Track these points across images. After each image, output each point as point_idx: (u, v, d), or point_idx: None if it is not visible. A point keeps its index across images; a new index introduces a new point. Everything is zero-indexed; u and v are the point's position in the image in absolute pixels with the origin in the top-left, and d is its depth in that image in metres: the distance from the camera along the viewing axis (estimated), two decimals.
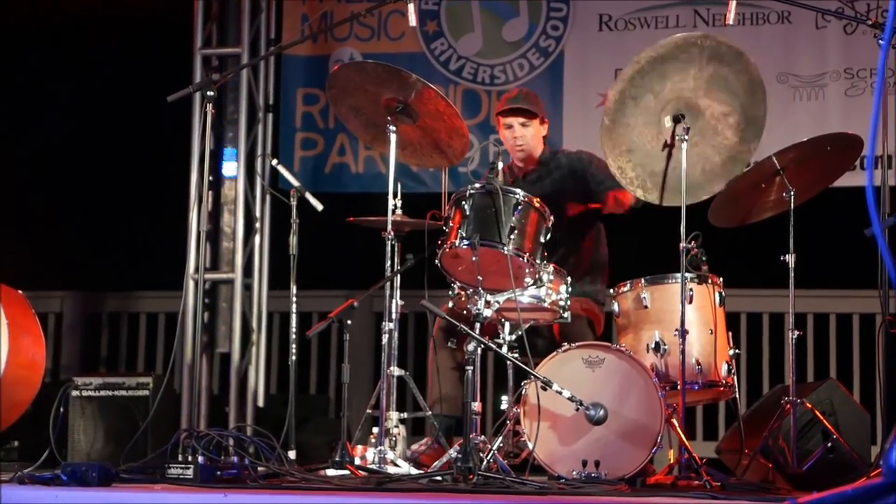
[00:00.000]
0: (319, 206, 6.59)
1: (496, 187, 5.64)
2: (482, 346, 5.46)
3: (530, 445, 5.46)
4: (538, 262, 5.71)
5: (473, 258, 5.55)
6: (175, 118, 8.03)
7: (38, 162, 9.27)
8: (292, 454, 6.09)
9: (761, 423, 6.12)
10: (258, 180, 8.30)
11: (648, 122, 5.87)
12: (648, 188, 6.02)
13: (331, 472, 5.47)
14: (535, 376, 5.41)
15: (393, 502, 4.56)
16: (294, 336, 6.58)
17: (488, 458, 5.35)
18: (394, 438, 5.79)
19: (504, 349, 5.75)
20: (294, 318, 6.57)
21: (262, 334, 8.35)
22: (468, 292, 5.77)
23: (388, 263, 5.91)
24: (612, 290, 6.10)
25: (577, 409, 5.40)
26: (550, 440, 5.51)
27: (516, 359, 5.68)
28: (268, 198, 8.36)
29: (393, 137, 5.96)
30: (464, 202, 5.70)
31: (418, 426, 8.03)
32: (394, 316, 5.93)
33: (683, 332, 5.64)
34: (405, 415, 5.98)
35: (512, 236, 5.61)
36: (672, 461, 5.76)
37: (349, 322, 5.80)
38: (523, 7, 8.50)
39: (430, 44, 8.55)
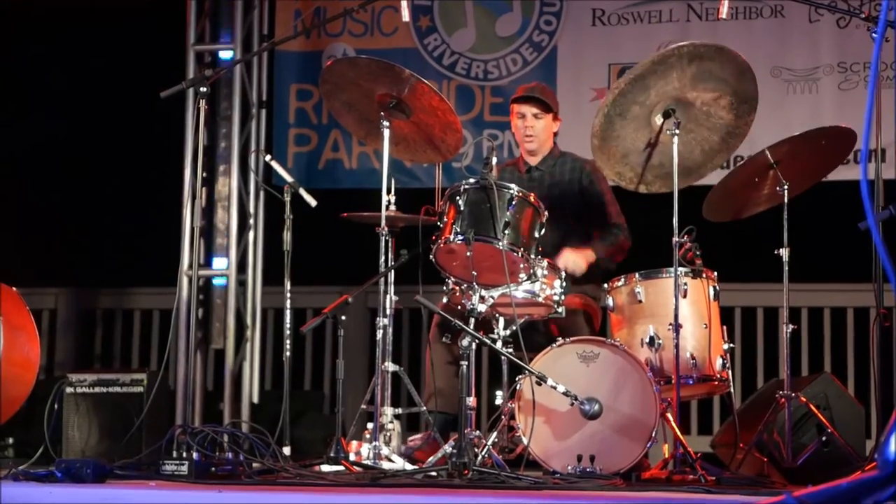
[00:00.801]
0: (313, 202, 6.58)
1: (490, 182, 5.64)
2: (477, 341, 5.46)
3: (525, 440, 5.46)
4: (533, 256, 5.71)
5: (468, 253, 5.55)
6: (168, 114, 8.02)
7: (30, 158, 9.25)
8: (287, 450, 6.08)
9: (756, 417, 6.13)
10: (252, 176, 8.30)
11: (639, 127, 5.90)
12: (649, 181, 6.07)
13: (326, 467, 5.48)
14: (529, 371, 5.42)
15: (388, 498, 4.56)
16: (288, 332, 6.57)
17: (483, 453, 5.35)
18: (388, 434, 5.79)
19: (499, 344, 5.74)
20: (288, 314, 6.57)
21: (256, 330, 8.35)
22: (462, 287, 5.77)
23: (383, 259, 5.91)
24: (606, 285, 6.11)
25: (572, 404, 5.41)
26: (545, 435, 5.51)
27: (511, 354, 5.68)
28: (261, 194, 8.36)
29: (386, 133, 5.96)
30: (458, 197, 5.70)
31: (413, 422, 8.04)
32: (388, 312, 5.93)
33: (677, 327, 5.64)
34: (400, 410, 5.98)
35: (506, 231, 5.61)
36: (667, 456, 5.77)
37: (343, 318, 5.80)
38: (516, 2, 8.50)
39: (424, 39, 8.55)
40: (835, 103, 7.90)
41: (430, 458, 5.67)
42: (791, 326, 5.99)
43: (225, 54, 8.31)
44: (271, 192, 7.11)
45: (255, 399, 8.25)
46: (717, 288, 5.94)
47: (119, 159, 9.24)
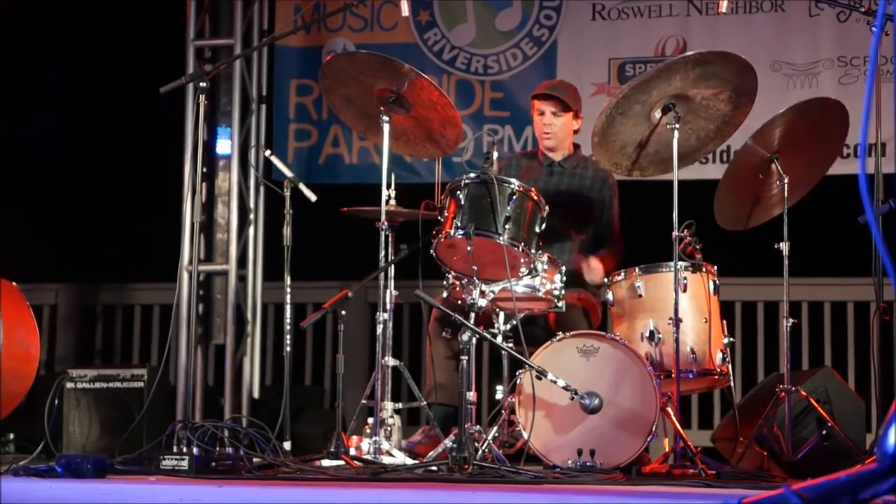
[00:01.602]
0: (313, 197, 6.58)
1: (491, 177, 5.64)
2: (477, 335, 5.46)
3: (525, 435, 5.46)
4: (533, 251, 5.72)
5: (468, 248, 5.55)
6: (168, 109, 8.01)
7: (30, 154, 9.25)
8: (287, 445, 6.09)
9: (756, 411, 6.13)
10: (252, 171, 8.29)
11: (638, 122, 5.93)
12: (644, 166, 6.14)
13: (326, 462, 5.48)
14: (529, 366, 5.42)
15: (388, 493, 4.56)
16: (289, 327, 6.57)
17: (483, 447, 5.35)
18: (389, 428, 5.79)
19: (499, 339, 5.75)
20: (288, 309, 6.57)
21: (256, 326, 8.35)
22: (463, 282, 5.77)
23: (383, 254, 5.91)
24: (606, 280, 6.11)
25: (572, 399, 5.40)
26: (545, 429, 5.51)
27: (511, 348, 5.68)
28: (262, 189, 8.36)
29: (386, 128, 5.96)
30: (458, 192, 5.70)
31: (413, 416, 8.04)
32: (388, 306, 5.93)
33: (677, 321, 5.64)
34: (400, 405, 5.98)
35: (507, 226, 5.61)
36: (667, 450, 5.77)
37: (343, 313, 5.80)
38: None
39: (424, 34, 8.54)
40: (835, 97, 7.87)
41: (431, 453, 5.67)
42: (791, 320, 5.99)
43: (225, 50, 8.31)
44: (271, 188, 7.11)
45: (256, 394, 8.25)
46: (717, 282, 5.94)
47: (119, 155, 9.24)
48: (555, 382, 5.34)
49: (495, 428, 5.64)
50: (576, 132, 6.72)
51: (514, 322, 5.72)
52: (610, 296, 6.02)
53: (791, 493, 2.61)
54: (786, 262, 5.95)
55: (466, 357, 5.33)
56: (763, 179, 6.10)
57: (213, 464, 5.21)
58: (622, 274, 5.99)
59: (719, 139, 6.10)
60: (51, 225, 9.18)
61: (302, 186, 6.54)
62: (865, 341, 7.67)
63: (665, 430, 5.90)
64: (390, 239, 5.98)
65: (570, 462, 5.44)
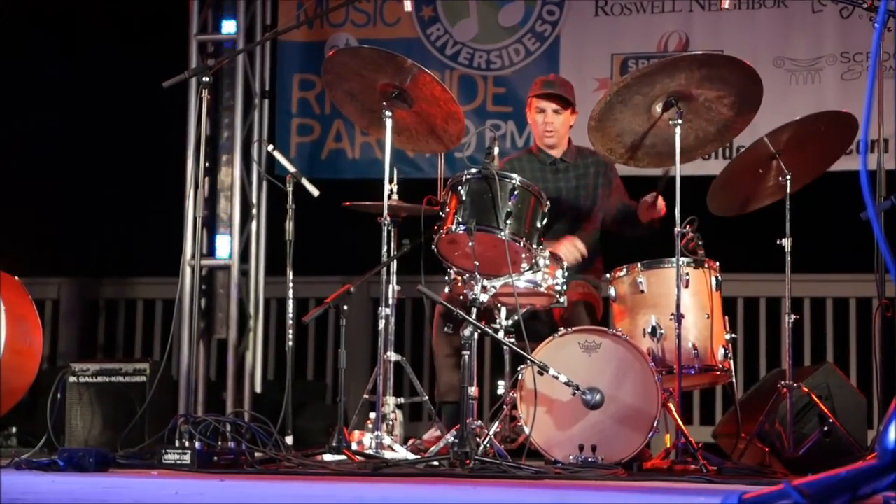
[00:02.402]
0: (316, 192, 6.59)
1: (492, 172, 5.64)
2: (479, 331, 5.47)
3: (527, 430, 5.47)
4: (535, 246, 5.72)
5: (470, 243, 5.55)
6: (171, 104, 8.02)
7: (32, 148, 9.25)
8: (289, 440, 6.10)
9: (758, 407, 6.13)
10: (254, 166, 8.30)
11: (638, 113, 5.93)
12: (639, 157, 6.15)
13: (328, 457, 5.48)
14: (531, 361, 5.42)
15: (390, 487, 4.56)
16: (291, 322, 6.58)
17: (485, 442, 5.36)
18: (391, 423, 5.80)
19: (500, 334, 5.75)
20: (291, 303, 6.58)
21: (259, 320, 8.36)
22: (465, 277, 5.77)
23: (385, 249, 5.91)
24: (608, 275, 6.11)
25: (574, 394, 5.41)
26: (547, 425, 5.52)
27: (513, 344, 5.69)
28: (264, 184, 8.36)
29: (389, 123, 5.96)
30: (460, 187, 5.70)
31: (416, 411, 8.04)
32: (390, 301, 5.93)
33: (679, 317, 5.65)
34: (402, 400, 5.99)
35: (508, 221, 5.61)
36: (669, 445, 5.78)
37: (346, 308, 5.80)
38: None
39: (426, 29, 8.54)
40: (838, 93, 7.89)
41: (433, 448, 5.68)
42: (793, 316, 5.99)
43: (227, 44, 8.31)
44: (274, 182, 7.12)
45: (258, 389, 8.27)
46: (720, 278, 5.95)
47: (122, 149, 9.24)
48: (556, 378, 5.35)
49: (497, 423, 5.65)
50: (570, 126, 6.74)
51: (516, 317, 5.72)
52: (612, 291, 6.03)
53: (791, 489, 2.62)
54: (788, 258, 5.95)
55: (468, 352, 5.34)
56: (763, 174, 6.10)
57: (215, 458, 5.21)
58: (624, 269, 5.99)
59: (718, 142, 6.12)
60: (53, 219, 9.18)
61: (304, 181, 6.55)
62: (867, 338, 7.67)
63: (666, 426, 5.91)
64: (392, 234, 5.98)
65: (571, 457, 5.45)
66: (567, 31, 8.36)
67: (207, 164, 8.05)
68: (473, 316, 5.48)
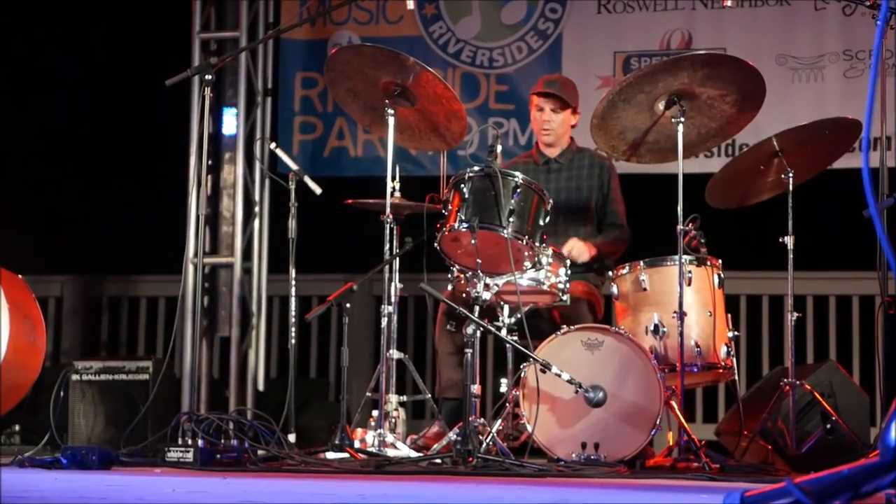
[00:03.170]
0: (318, 190, 6.58)
1: (495, 170, 5.64)
2: (481, 328, 5.47)
3: (529, 428, 5.47)
4: (537, 244, 5.72)
5: (472, 241, 5.55)
6: (173, 102, 8.02)
7: (35, 146, 9.26)
8: (292, 437, 6.10)
9: (760, 405, 6.13)
10: (257, 164, 8.30)
11: (641, 111, 5.95)
12: (641, 154, 6.17)
13: (330, 455, 5.49)
14: (534, 359, 5.42)
15: (392, 485, 4.57)
16: (293, 320, 6.58)
17: (487, 440, 5.36)
18: (393, 421, 5.80)
19: (503, 332, 5.75)
20: (293, 301, 6.58)
21: (261, 318, 8.36)
22: (467, 275, 5.77)
23: (387, 247, 5.91)
24: (610, 273, 6.11)
25: (577, 392, 5.41)
26: (550, 423, 5.52)
27: (515, 341, 5.69)
28: (267, 182, 8.36)
29: (391, 121, 5.96)
30: (463, 185, 5.70)
31: (418, 409, 8.04)
32: (393, 299, 5.93)
33: (682, 315, 5.65)
34: (405, 398, 6.00)
35: (511, 219, 5.61)
36: (671, 443, 5.78)
37: (348, 305, 5.81)
38: None
39: (429, 27, 8.54)
40: (840, 91, 7.88)
41: (435, 446, 5.68)
42: (796, 314, 5.99)
43: (230, 43, 8.31)
44: (276, 180, 7.12)
45: (261, 386, 8.26)
46: (722, 276, 5.95)
47: (124, 147, 9.25)
48: (559, 376, 5.35)
49: (499, 421, 5.65)
50: (573, 126, 6.73)
51: (519, 315, 5.72)
52: (614, 289, 6.03)
53: (793, 487, 2.62)
54: (790, 255, 5.95)
55: (471, 350, 5.34)
56: (764, 170, 6.10)
57: (218, 456, 5.22)
58: (627, 267, 6.00)
59: (720, 138, 6.16)
60: (56, 217, 9.19)
61: (307, 179, 6.55)
62: (870, 335, 7.67)
63: (669, 424, 5.91)
64: (395, 232, 5.99)
65: (574, 455, 5.45)
66: (569, 29, 8.36)
67: (210, 162, 8.06)
68: (476, 314, 5.48)
